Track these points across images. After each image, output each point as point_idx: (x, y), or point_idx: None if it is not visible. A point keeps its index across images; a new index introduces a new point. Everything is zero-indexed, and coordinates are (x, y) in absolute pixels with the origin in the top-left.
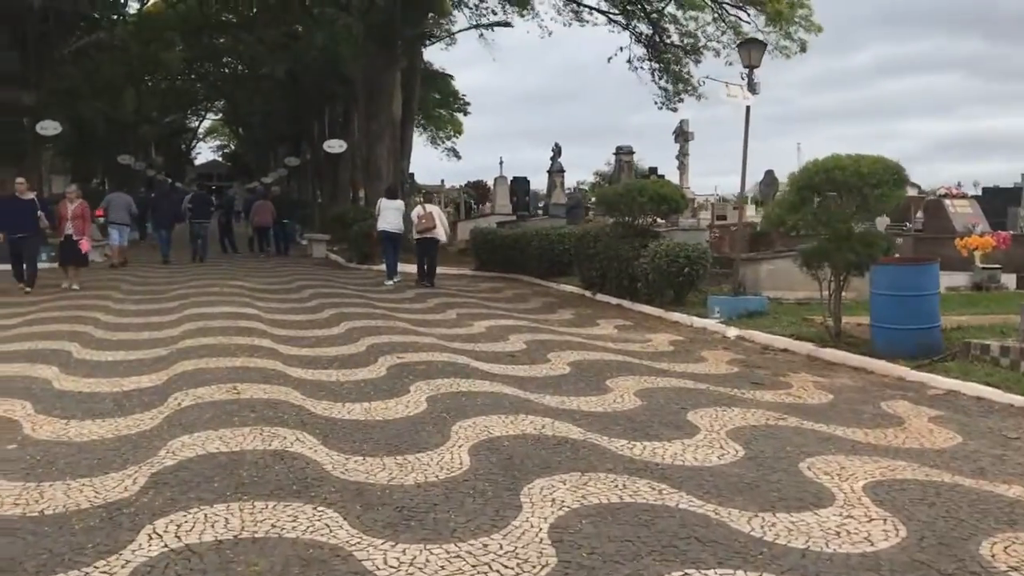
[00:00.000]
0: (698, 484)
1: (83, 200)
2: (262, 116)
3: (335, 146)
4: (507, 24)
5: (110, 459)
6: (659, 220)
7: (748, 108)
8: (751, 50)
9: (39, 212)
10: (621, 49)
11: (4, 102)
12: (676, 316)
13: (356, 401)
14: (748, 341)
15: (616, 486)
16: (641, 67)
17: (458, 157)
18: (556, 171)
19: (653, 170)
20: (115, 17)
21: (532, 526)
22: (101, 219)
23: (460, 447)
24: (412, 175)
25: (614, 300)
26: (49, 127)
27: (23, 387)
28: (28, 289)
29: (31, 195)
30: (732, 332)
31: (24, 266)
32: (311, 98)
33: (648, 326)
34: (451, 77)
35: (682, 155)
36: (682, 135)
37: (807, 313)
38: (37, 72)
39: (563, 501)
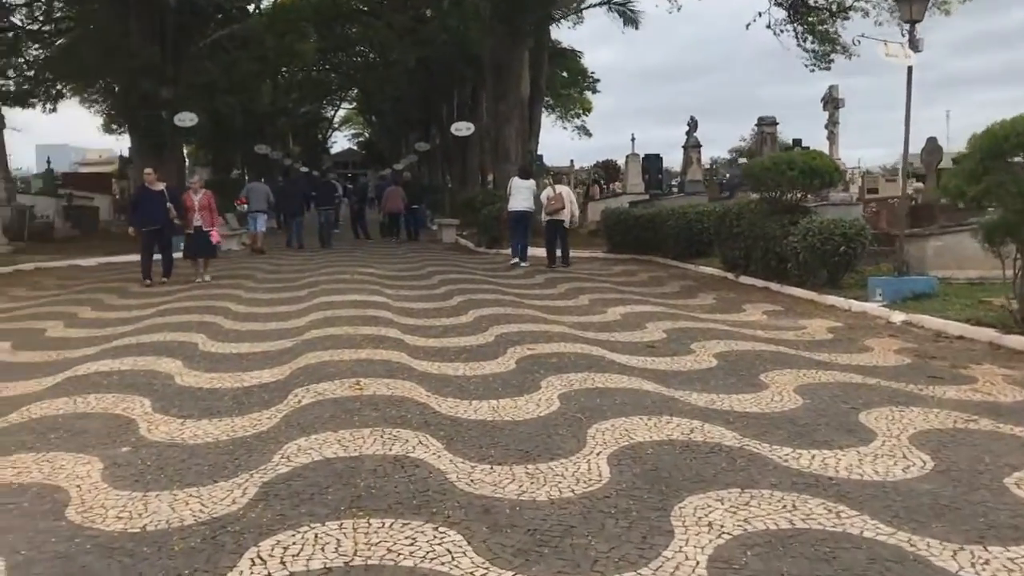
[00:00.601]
0: (884, 505)
1: (208, 190)
2: (393, 103)
3: (462, 129)
4: None
5: (221, 465)
6: (807, 195)
7: (910, 68)
8: (912, 3)
9: (168, 203)
10: (760, 14)
11: (144, 95)
12: (831, 299)
13: (483, 398)
14: (917, 327)
15: (784, 507)
16: (784, 30)
17: (588, 135)
18: (692, 146)
19: (797, 142)
20: (249, 9)
21: (687, 558)
22: (243, 207)
23: (598, 454)
24: (540, 156)
25: (760, 282)
26: (186, 119)
27: (145, 382)
28: (164, 279)
29: (160, 186)
30: (897, 317)
31: (158, 259)
32: (440, 82)
33: (800, 311)
34: (579, 55)
35: (832, 124)
36: (831, 102)
37: (982, 294)
38: (175, 66)
39: (722, 526)
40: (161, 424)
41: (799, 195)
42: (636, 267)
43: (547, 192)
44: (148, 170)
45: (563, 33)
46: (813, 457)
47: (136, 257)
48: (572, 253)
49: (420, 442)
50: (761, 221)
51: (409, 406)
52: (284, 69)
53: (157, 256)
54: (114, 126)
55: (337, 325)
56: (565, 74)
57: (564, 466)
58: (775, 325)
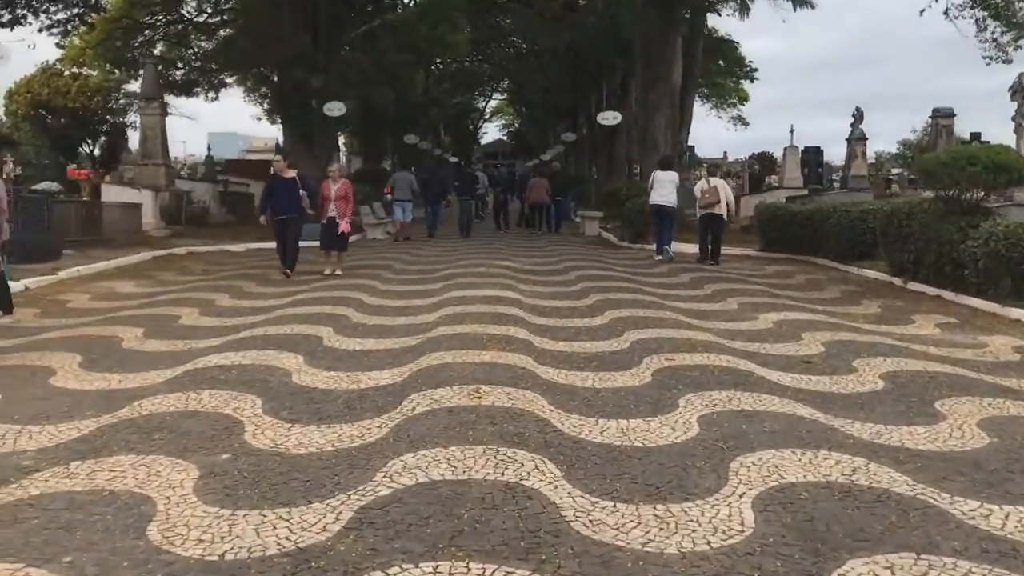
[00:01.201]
0: None
1: (347, 180)
2: (542, 93)
3: (609, 118)
4: None
5: (319, 482)
6: (989, 194)
7: None
8: None
9: (301, 192)
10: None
11: (295, 85)
12: (1017, 313)
13: (612, 416)
14: None
15: None
16: (961, 16)
17: (745, 124)
18: (856, 138)
19: (976, 136)
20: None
21: None
22: (389, 196)
23: (741, 497)
24: (692, 147)
25: (931, 290)
26: (334, 108)
27: (262, 379)
28: (288, 273)
29: (291, 173)
30: None
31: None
32: (588, 71)
33: (980, 325)
34: (736, 44)
35: (1020, 116)
36: (1021, 91)
37: None
38: (326, 56)
39: None
40: (268, 428)
41: (980, 194)
42: (792, 268)
43: (701, 185)
44: (277, 157)
45: (722, 22)
46: (1007, 516)
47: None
48: (723, 250)
49: (536, 467)
50: (935, 222)
51: (529, 421)
52: (438, 60)
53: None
54: (272, 115)
55: (466, 322)
56: (721, 63)
57: (700, 509)
58: (950, 341)
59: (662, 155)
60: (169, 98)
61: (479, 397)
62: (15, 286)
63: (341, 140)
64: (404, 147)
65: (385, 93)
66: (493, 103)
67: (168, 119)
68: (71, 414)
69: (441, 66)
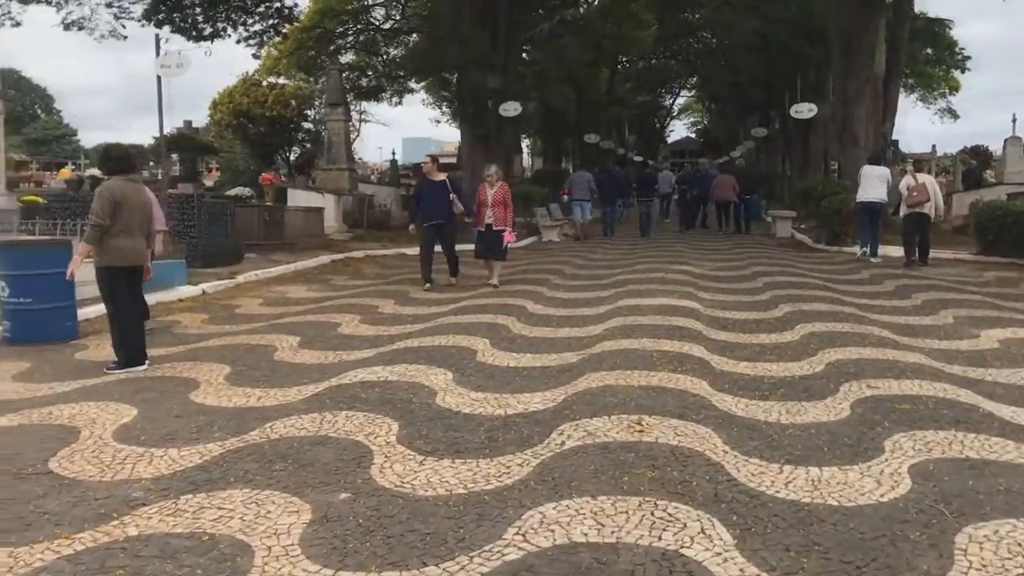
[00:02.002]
0: None
1: (504, 183)
2: (731, 88)
3: (803, 111)
4: None
5: (441, 536)
6: None
7: None
8: None
9: (452, 195)
10: None
11: (473, 86)
12: None
13: (800, 463)
14: None
15: None
16: None
17: (955, 117)
18: None
19: None
20: None
21: None
22: (566, 197)
23: None
24: (895, 141)
25: None
26: (510, 108)
27: (404, 400)
28: (453, 281)
29: (441, 176)
30: None
31: (440, 258)
32: (780, 63)
33: None
34: (948, 23)
35: None
36: None
37: None
38: (504, 55)
39: None
40: (398, 461)
41: None
42: (1016, 274)
43: (906, 181)
44: (427, 159)
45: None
46: None
47: (461, 247)
48: (932, 253)
49: (702, 530)
50: None
51: (697, 466)
52: (623, 58)
53: (438, 249)
54: (454, 118)
55: (635, 336)
56: (929, 51)
57: None
58: None
59: (871, 149)
60: (366, 105)
61: (641, 431)
62: (193, 290)
63: (525, 142)
64: (586, 147)
65: (564, 92)
66: (680, 100)
67: (365, 126)
68: (199, 436)
69: (627, 64)
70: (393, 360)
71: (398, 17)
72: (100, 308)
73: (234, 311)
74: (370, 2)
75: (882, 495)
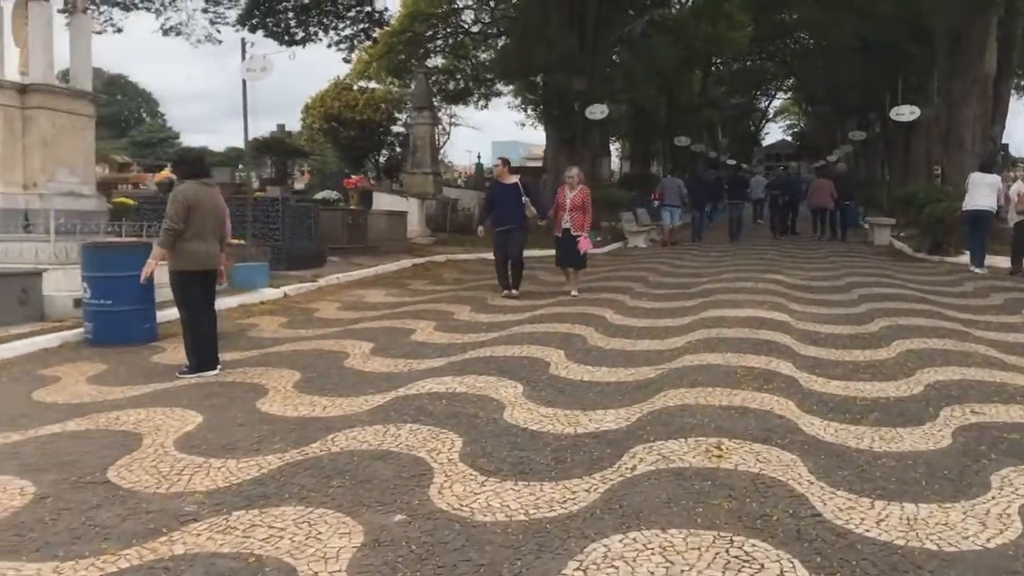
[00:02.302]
0: None
1: (586, 186)
2: (828, 89)
3: (904, 113)
4: None
5: (495, 569)
6: None
7: None
8: None
9: (524, 199)
10: None
11: (559, 88)
12: None
13: (894, 498)
14: None
15: None
16: None
17: None
18: None
19: None
20: None
21: None
22: (657, 202)
23: None
24: (1005, 145)
25: None
26: (596, 111)
27: (470, 414)
28: (514, 293)
29: (513, 179)
30: None
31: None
32: (880, 63)
33: None
34: None
35: None
36: None
37: None
38: (593, 57)
39: None
40: (458, 481)
41: None
42: None
43: (1017, 188)
44: (498, 162)
45: None
46: None
47: (543, 252)
48: None
49: (781, 573)
50: None
51: (779, 498)
52: (717, 60)
53: None
54: (543, 121)
55: (719, 350)
56: None
57: None
58: None
59: (981, 155)
60: (456, 109)
61: (719, 456)
62: (275, 293)
63: (614, 145)
64: (676, 150)
65: (652, 94)
66: (776, 102)
67: (456, 129)
68: (259, 447)
69: (721, 66)
70: (463, 370)
71: (487, 20)
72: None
73: (312, 315)
74: (460, 4)
75: (988, 540)
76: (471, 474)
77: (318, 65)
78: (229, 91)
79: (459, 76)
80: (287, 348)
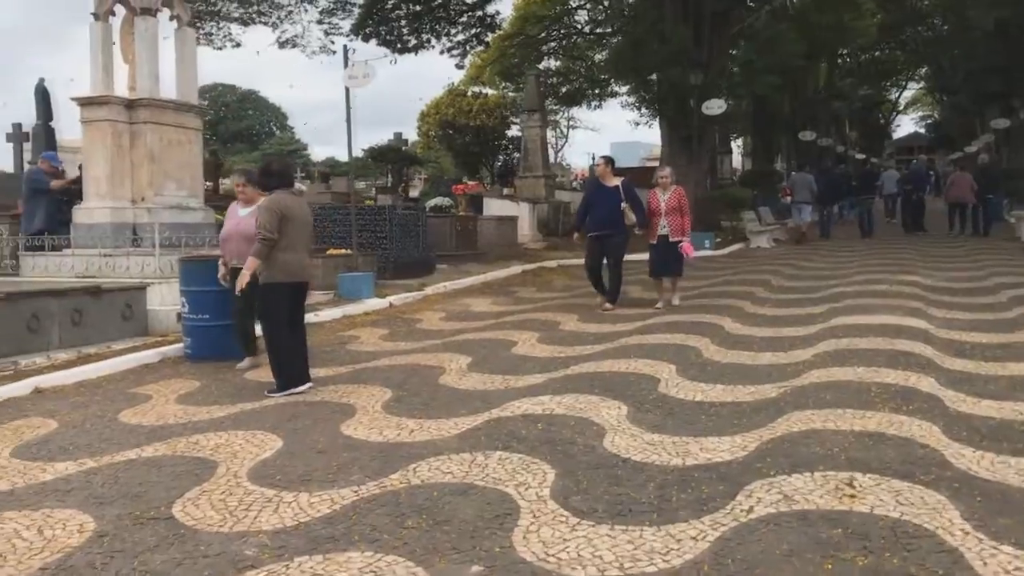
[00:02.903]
0: None
1: (680, 186)
2: (965, 77)
3: None
4: None
5: None
6: None
7: None
8: None
9: (623, 204)
10: None
11: (673, 83)
12: None
13: None
14: None
15: None
16: None
17: None
18: None
19: None
20: None
21: None
22: (788, 199)
23: None
24: None
25: None
26: (714, 106)
27: (567, 440)
28: (608, 306)
29: (615, 181)
30: None
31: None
32: (1022, 46)
33: None
34: None
35: None
36: None
37: None
38: (709, 49)
39: None
40: (547, 523)
41: None
42: None
43: None
44: (599, 160)
45: None
46: None
47: (636, 256)
48: None
49: None
50: None
51: (926, 552)
52: (843, 51)
53: None
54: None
55: (849, 363)
56: None
57: None
58: None
59: None
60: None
61: (852, 496)
62: (379, 303)
63: (737, 142)
64: (801, 145)
65: (774, 85)
66: (908, 93)
67: (573, 132)
68: (336, 478)
69: (847, 57)
70: (563, 388)
71: (601, 18)
72: None
73: (414, 326)
74: (573, 4)
75: None
76: (562, 515)
77: (439, 73)
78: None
79: (573, 77)
80: (383, 363)
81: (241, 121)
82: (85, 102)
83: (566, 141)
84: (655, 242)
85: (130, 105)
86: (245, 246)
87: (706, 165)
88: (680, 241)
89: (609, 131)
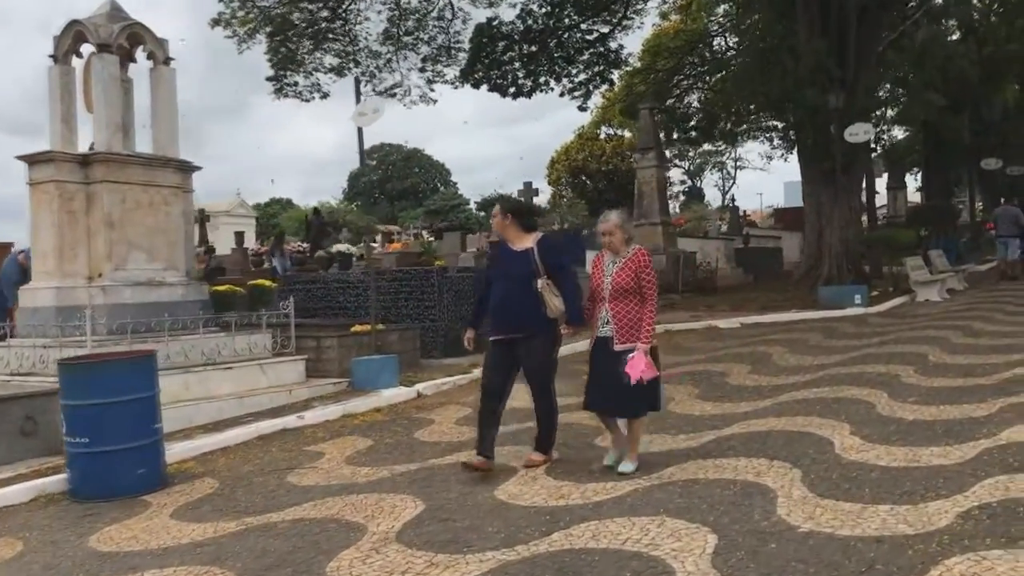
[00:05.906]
0: None
1: (641, 248)
2: None
3: None
4: None
5: None
6: None
7: None
8: None
9: (539, 280)
10: None
11: (809, 107)
12: None
13: None
14: None
15: None
16: None
17: None
18: None
19: None
20: None
21: None
22: (991, 232)
23: None
24: None
25: None
26: (859, 132)
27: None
28: (535, 460)
29: (528, 242)
30: None
31: None
32: None
33: None
34: None
35: None
36: None
37: None
38: (853, 66)
39: None
40: None
41: None
42: None
43: None
44: (495, 210)
45: None
46: None
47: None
48: None
49: None
50: None
51: None
52: None
53: None
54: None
55: None
56: None
57: None
58: None
59: None
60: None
61: None
62: (399, 393)
63: (911, 175)
64: (986, 175)
65: (933, 100)
66: None
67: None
68: None
69: None
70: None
71: (732, 43)
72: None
73: (413, 434)
74: (712, 29)
75: None
76: None
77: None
78: (511, 157)
79: (713, 109)
80: (290, 514)
81: (406, 180)
82: (30, 160)
83: (734, 183)
84: (592, 346)
85: (84, 162)
86: None
87: (856, 203)
88: (631, 348)
89: (779, 171)
